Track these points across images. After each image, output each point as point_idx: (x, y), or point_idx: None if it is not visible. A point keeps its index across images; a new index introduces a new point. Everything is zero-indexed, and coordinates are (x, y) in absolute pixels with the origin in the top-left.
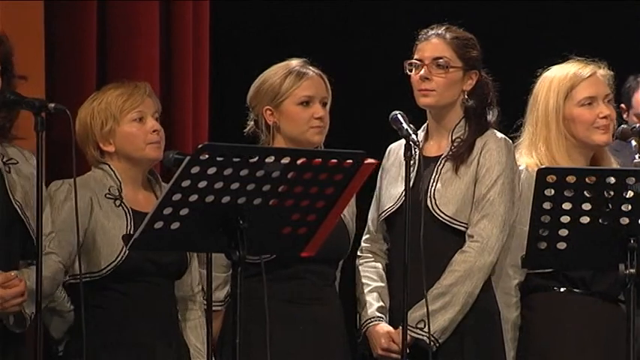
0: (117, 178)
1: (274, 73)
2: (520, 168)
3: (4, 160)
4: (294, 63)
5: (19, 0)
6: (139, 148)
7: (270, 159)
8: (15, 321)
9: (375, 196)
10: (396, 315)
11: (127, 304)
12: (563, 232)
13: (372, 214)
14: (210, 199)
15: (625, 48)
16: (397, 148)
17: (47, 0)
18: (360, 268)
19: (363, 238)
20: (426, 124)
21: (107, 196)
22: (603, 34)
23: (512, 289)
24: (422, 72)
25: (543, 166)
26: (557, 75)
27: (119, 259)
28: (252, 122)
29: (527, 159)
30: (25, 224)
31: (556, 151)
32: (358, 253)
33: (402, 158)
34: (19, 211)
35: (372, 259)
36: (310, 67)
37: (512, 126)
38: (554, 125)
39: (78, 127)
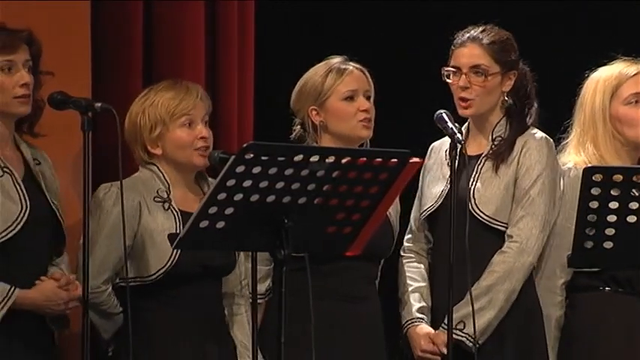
0: (165, 180)
1: (315, 72)
2: (568, 166)
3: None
4: (334, 60)
5: (66, 0)
6: (186, 154)
7: (315, 158)
8: (57, 321)
9: (417, 196)
10: (438, 314)
11: (175, 307)
12: (610, 232)
13: (414, 213)
14: (255, 198)
15: None
16: (439, 146)
17: (94, 0)
18: (402, 268)
19: (406, 237)
20: (467, 123)
21: (156, 199)
22: None
23: (558, 287)
24: (460, 82)
25: (589, 165)
26: (603, 75)
27: (169, 264)
28: (299, 127)
29: (576, 157)
30: (61, 225)
31: (604, 150)
32: (401, 253)
33: (444, 157)
34: (57, 212)
35: (415, 259)
36: (350, 63)
37: (559, 127)
38: (602, 125)
39: (128, 125)
